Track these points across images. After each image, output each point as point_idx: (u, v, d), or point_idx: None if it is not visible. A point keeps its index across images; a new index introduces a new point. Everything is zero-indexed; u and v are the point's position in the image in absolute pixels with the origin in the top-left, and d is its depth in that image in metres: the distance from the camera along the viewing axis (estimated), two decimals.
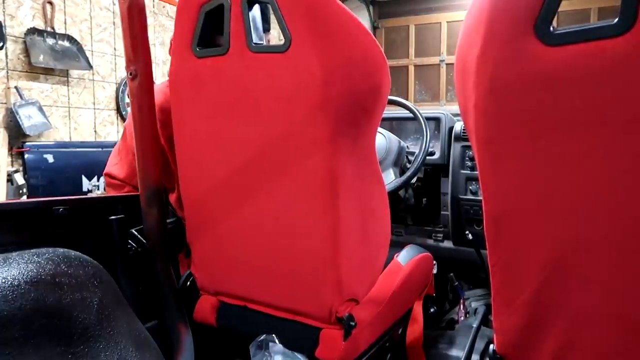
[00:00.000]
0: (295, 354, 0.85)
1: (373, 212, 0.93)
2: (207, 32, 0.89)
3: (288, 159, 0.83)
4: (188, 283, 1.06)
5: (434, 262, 1.33)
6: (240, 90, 0.85)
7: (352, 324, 0.85)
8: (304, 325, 0.90)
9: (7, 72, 2.43)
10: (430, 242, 1.93)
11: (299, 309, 0.90)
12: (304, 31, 0.75)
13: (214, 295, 1.03)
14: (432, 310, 1.42)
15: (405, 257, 1.18)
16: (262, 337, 0.85)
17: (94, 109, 2.91)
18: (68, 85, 2.75)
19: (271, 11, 0.80)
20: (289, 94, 0.79)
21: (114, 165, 1.35)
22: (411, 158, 1.66)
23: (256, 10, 0.85)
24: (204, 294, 1.05)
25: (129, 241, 1.04)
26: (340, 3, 0.78)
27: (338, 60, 0.77)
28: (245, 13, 0.81)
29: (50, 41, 2.59)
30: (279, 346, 0.83)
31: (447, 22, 5.11)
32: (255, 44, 0.83)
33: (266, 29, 1.14)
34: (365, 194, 0.90)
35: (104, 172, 1.37)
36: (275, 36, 1.90)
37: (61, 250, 0.78)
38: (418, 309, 1.29)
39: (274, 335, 0.84)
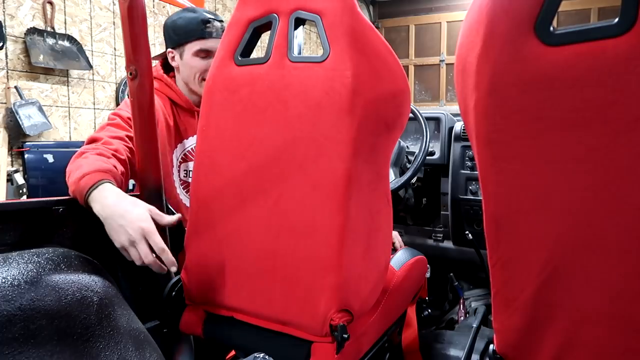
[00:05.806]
0: None
1: (378, 230, 0.92)
2: (251, 47, 0.95)
3: (307, 159, 0.84)
4: (173, 293, 1.02)
5: (428, 266, 1.32)
6: (273, 94, 0.88)
7: (345, 336, 0.82)
8: (294, 339, 0.87)
9: (7, 72, 2.43)
10: (430, 242, 1.93)
11: (290, 319, 0.87)
12: (342, 46, 0.81)
13: (201, 304, 1.00)
14: (425, 313, 1.42)
15: (399, 261, 1.16)
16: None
17: (94, 108, 2.91)
18: (68, 85, 2.75)
19: None
20: (320, 99, 0.82)
21: None
22: (411, 158, 1.67)
23: (299, 30, 0.92)
24: (191, 303, 1.02)
25: None
26: (377, 31, 0.87)
27: (368, 74, 0.83)
28: (291, 30, 0.88)
29: (50, 41, 2.59)
30: None
31: (447, 22, 5.12)
32: (294, 56, 0.87)
33: None
34: (374, 209, 0.90)
35: None
36: None
37: (61, 250, 0.78)
38: (412, 313, 1.28)
39: (263, 354, 0.78)
